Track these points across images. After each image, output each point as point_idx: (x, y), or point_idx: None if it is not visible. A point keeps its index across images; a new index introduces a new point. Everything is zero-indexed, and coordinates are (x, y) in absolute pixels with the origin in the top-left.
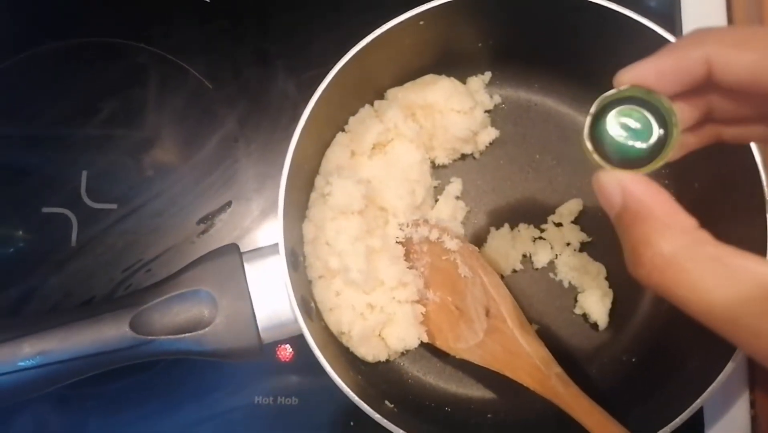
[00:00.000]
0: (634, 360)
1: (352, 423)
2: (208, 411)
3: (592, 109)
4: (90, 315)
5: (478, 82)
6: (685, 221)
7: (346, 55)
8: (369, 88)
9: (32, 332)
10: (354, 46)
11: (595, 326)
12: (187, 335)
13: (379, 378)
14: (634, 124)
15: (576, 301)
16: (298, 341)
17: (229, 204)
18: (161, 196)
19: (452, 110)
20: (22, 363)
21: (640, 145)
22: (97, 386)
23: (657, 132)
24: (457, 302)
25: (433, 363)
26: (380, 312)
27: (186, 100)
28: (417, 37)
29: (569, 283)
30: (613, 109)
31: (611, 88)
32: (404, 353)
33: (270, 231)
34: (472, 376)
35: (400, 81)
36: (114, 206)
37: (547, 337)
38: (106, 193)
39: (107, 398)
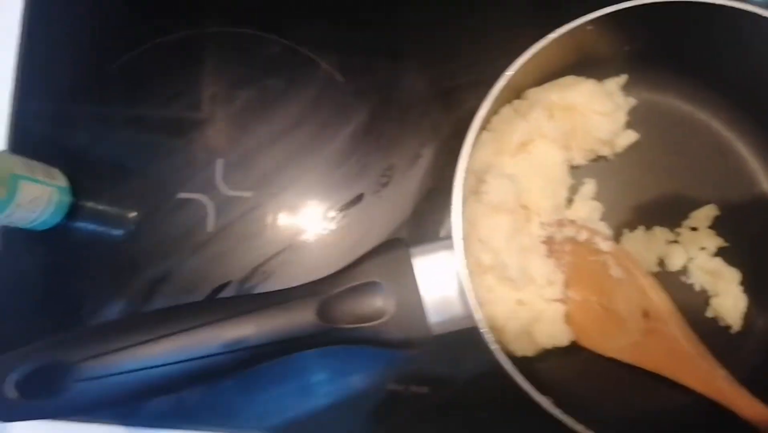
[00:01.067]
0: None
1: (485, 414)
2: (340, 395)
3: None
4: (281, 301)
5: (613, 84)
6: None
7: (518, 60)
8: (509, 88)
9: (229, 316)
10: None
11: (727, 328)
12: (365, 324)
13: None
14: None
15: (708, 304)
16: None
17: (359, 197)
18: (294, 186)
19: (594, 112)
20: (219, 348)
21: None
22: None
23: None
24: (603, 301)
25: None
26: (530, 309)
27: (318, 92)
28: (568, 42)
29: (701, 286)
30: None
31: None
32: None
33: (401, 225)
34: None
35: (538, 81)
36: (249, 194)
37: None
38: (241, 181)
39: (245, 377)
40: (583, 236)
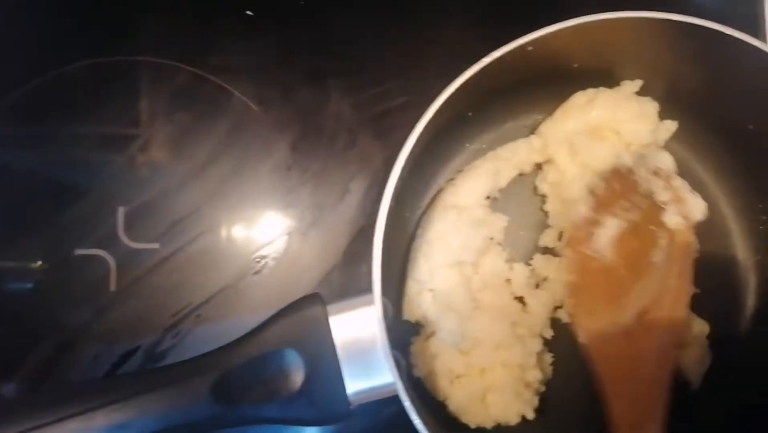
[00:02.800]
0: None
1: None
2: None
3: None
4: (168, 382)
5: (630, 87)
6: None
7: (450, 86)
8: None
9: (106, 403)
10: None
11: (687, 384)
12: (271, 401)
13: None
14: None
15: None
16: None
17: (284, 240)
18: (208, 232)
19: (624, 122)
20: None
21: None
22: None
23: None
24: (626, 273)
25: None
26: (483, 376)
27: (232, 124)
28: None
29: None
30: None
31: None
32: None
33: (331, 269)
34: None
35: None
36: (156, 245)
37: None
38: (146, 231)
39: None
40: (665, 196)
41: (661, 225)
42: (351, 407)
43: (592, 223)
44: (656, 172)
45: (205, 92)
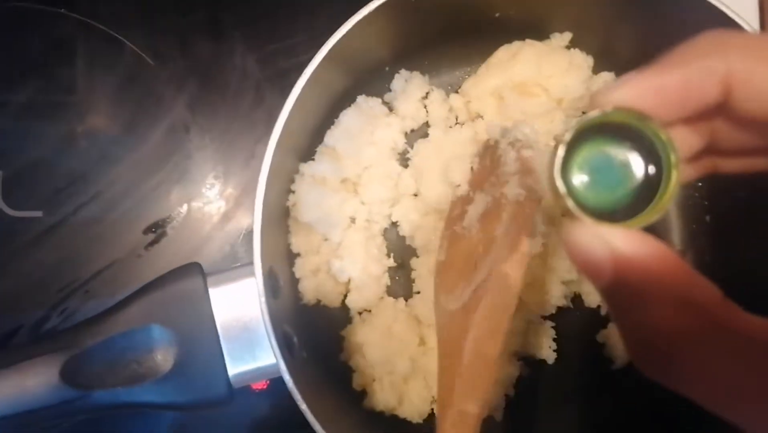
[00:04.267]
0: None
1: None
2: None
3: (566, 137)
4: (9, 362)
5: (559, 41)
6: (706, 294)
7: (339, 30)
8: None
9: None
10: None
11: (610, 361)
12: (135, 385)
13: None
14: (619, 161)
15: (604, 328)
16: None
17: (182, 210)
18: (97, 200)
19: (551, 76)
20: None
21: (625, 188)
22: None
23: (647, 172)
24: (481, 249)
25: None
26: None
27: (123, 80)
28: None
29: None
30: (591, 139)
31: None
32: None
33: (235, 241)
34: None
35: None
36: (39, 213)
37: None
38: (28, 198)
39: None
40: (513, 167)
41: (505, 197)
42: (233, 388)
43: (467, 201)
44: (512, 143)
45: (93, 43)
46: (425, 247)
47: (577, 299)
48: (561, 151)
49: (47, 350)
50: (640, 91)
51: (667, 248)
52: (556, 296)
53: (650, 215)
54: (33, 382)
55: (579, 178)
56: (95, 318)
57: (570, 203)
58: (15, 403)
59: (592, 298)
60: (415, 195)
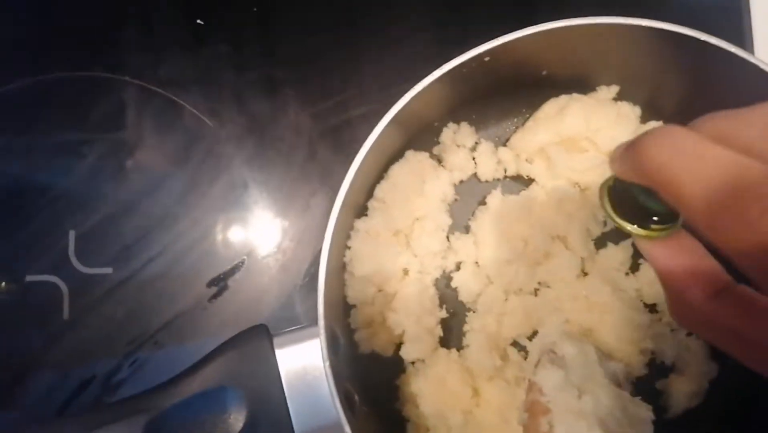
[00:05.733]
0: None
1: None
2: None
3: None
4: (98, 424)
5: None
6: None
7: (407, 94)
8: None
9: None
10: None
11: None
12: None
13: None
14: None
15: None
16: None
17: (242, 262)
18: (162, 256)
19: (599, 129)
20: None
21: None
22: None
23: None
24: None
25: None
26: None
27: (184, 140)
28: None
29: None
30: None
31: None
32: None
33: (293, 290)
34: None
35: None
36: (109, 270)
37: None
38: (98, 255)
39: None
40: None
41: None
42: None
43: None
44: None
45: (155, 106)
46: (483, 309)
47: None
48: (605, 189)
49: (131, 412)
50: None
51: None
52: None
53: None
54: None
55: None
56: (171, 381)
57: (616, 220)
58: None
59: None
60: (477, 263)
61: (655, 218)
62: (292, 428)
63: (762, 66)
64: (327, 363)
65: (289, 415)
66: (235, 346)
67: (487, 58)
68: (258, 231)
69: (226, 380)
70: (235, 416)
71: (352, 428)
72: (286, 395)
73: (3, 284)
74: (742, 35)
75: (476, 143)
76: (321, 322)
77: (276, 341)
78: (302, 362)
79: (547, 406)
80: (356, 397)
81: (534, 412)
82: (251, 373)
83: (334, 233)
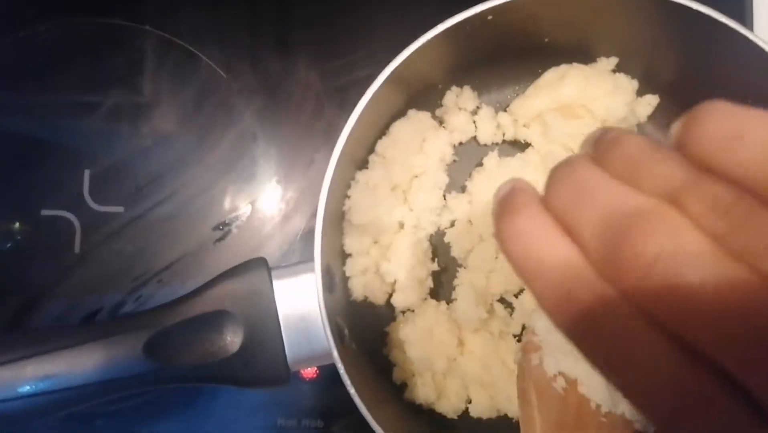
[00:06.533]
0: None
1: None
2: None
3: None
4: (100, 336)
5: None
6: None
7: (403, 52)
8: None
9: (36, 354)
10: (394, 36)
11: None
12: (207, 361)
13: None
14: None
15: None
16: None
17: (247, 210)
18: (172, 199)
19: (596, 98)
20: (23, 389)
21: None
22: (108, 403)
23: None
24: None
25: None
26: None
27: (198, 90)
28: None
29: None
30: None
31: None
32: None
33: (293, 240)
34: None
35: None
36: (120, 209)
37: None
38: (111, 194)
39: (119, 416)
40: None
41: None
42: (292, 370)
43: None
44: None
45: (174, 57)
46: (473, 265)
47: None
48: None
49: (132, 327)
50: None
51: None
52: None
53: None
54: (119, 354)
55: None
56: (174, 302)
57: None
58: (102, 371)
59: None
60: (470, 222)
61: None
62: (285, 352)
63: (760, 43)
64: (320, 294)
65: (282, 341)
66: (236, 274)
67: (490, 17)
68: (264, 181)
69: (225, 304)
70: (232, 339)
71: (340, 357)
72: (281, 322)
73: (17, 224)
74: (742, 10)
75: (477, 107)
76: (317, 257)
77: (274, 273)
78: (298, 293)
79: (538, 344)
80: (346, 332)
81: (527, 349)
82: (249, 300)
83: (333, 178)
